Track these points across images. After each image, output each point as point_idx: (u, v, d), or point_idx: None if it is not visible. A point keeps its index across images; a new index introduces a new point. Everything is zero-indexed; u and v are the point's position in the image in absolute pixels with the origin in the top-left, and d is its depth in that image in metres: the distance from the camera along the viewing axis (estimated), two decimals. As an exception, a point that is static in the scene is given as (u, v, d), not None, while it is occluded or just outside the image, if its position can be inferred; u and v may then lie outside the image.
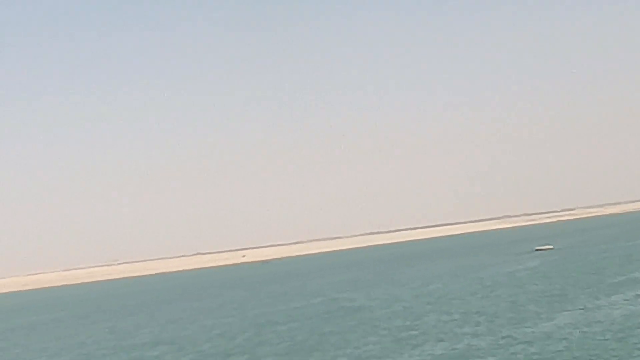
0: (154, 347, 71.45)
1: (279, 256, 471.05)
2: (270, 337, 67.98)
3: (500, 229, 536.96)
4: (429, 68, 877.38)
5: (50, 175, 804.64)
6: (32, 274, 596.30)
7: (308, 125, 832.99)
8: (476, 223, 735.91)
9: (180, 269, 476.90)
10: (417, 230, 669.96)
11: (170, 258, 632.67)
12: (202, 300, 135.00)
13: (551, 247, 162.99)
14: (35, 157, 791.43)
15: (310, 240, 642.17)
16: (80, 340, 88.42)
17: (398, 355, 51.05)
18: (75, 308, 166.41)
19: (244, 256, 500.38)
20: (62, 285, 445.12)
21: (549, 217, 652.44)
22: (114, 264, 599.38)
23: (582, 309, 61.69)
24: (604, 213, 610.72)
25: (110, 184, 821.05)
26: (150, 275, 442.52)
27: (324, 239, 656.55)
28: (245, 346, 64.55)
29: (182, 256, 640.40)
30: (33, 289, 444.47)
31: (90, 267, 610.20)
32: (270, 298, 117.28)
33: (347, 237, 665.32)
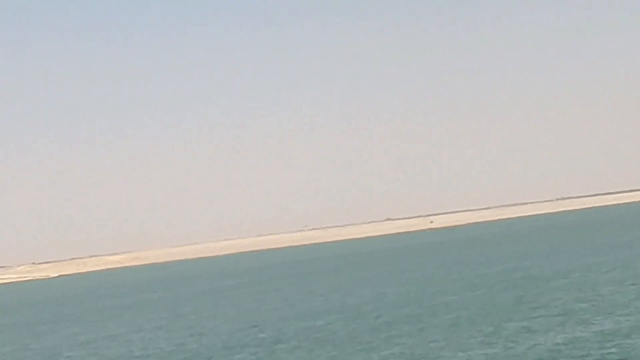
0: (322, 316, 71.30)
1: (467, 222, 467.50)
2: (438, 308, 66.77)
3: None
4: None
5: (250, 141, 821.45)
6: (227, 240, 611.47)
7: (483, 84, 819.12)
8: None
9: (370, 234, 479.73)
10: (613, 196, 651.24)
11: (361, 224, 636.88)
12: (383, 267, 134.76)
13: None
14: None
15: (500, 206, 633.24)
16: (254, 306, 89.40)
17: (563, 330, 49.09)
18: (259, 274, 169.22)
19: (432, 222, 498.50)
20: (254, 251, 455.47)
21: None
22: (304, 230, 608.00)
23: None
24: None
25: (314, 151, 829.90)
26: (340, 241, 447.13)
27: (514, 205, 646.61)
28: (412, 316, 63.62)
29: (373, 222, 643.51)
30: (228, 254, 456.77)
31: (281, 233, 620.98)
32: (446, 266, 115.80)
33: (538, 202, 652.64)
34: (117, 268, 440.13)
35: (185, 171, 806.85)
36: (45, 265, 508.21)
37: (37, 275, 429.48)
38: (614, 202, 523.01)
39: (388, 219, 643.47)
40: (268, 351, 54.83)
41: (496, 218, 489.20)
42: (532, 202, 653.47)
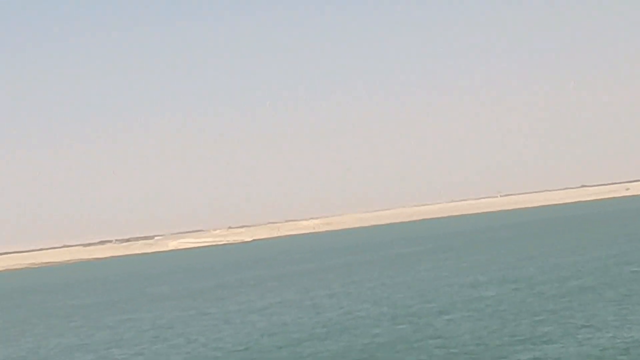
0: (494, 286, 70.25)
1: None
2: (615, 279, 65.07)
3: None
4: None
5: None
6: (419, 205, 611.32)
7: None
8: None
9: (564, 201, 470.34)
10: None
11: (556, 190, 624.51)
12: (569, 234, 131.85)
13: None
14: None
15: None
16: (430, 275, 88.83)
17: None
18: (445, 241, 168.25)
19: (627, 189, 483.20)
20: (445, 217, 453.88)
21: None
22: (497, 196, 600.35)
23: None
24: None
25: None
26: (533, 207, 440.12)
27: None
28: (586, 288, 62.27)
29: (567, 188, 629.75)
30: (419, 220, 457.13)
31: (473, 199, 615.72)
32: (634, 235, 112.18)
33: None
34: (309, 233, 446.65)
35: (380, 136, 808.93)
36: (240, 230, 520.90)
37: (232, 239, 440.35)
38: None
39: (583, 186, 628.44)
40: (430, 322, 54.37)
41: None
42: None
